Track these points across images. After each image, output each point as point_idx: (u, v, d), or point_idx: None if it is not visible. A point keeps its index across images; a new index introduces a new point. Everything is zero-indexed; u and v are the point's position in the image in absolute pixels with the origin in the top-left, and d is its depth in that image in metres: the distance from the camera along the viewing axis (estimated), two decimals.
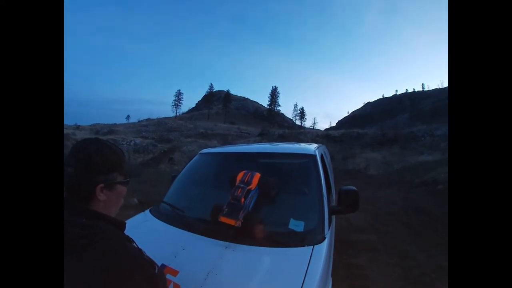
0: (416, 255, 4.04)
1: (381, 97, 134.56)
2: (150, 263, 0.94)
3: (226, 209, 1.66)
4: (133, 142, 22.34)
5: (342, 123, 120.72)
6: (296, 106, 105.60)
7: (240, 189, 1.75)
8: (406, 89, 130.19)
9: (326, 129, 67.32)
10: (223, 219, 1.61)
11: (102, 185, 0.90)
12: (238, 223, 1.59)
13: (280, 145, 2.98)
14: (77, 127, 38.31)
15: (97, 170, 0.90)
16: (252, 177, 1.84)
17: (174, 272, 1.45)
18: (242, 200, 1.69)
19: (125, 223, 1.00)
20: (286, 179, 2.32)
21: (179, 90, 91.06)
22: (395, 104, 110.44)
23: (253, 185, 1.81)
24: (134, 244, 0.96)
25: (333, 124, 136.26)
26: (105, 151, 0.93)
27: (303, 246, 1.60)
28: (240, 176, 1.85)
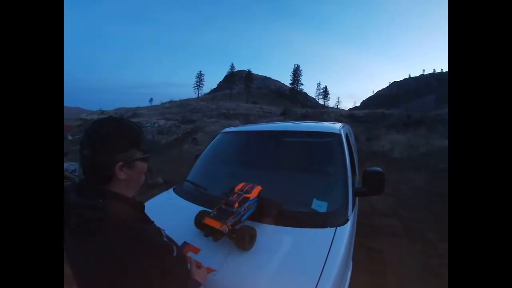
0: (437, 243, 3.93)
1: (408, 76, 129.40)
2: (168, 246, 0.92)
3: (214, 212, 1.49)
4: (156, 124, 22.69)
5: (366, 103, 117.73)
6: (319, 85, 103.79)
7: (236, 195, 1.57)
8: (434, 69, 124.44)
9: (350, 109, 65.72)
10: (208, 220, 1.45)
11: (121, 163, 0.87)
12: (224, 227, 1.36)
13: (303, 123, 2.92)
14: (102, 112, 39.41)
15: (115, 149, 0.87)
16: (252, 188, 1.66)
17: (196, 250, 1.46)
18: (236, 205, 1.50)
19: (143, 204, 0.98)
20: (310, 158, 2.27)
21: (200, 71, 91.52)
22: (422, 84, 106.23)
23: (252, 196, 1.62)
24: (153, 224, 0.94)
25: (358, 104, 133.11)
26: (121, 129, 0.91)
27: (326, 227, 1.57)
28: (239, 186, 1.68)
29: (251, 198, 1.60)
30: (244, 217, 1.54)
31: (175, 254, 0.92)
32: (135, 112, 35.41)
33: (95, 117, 28.65)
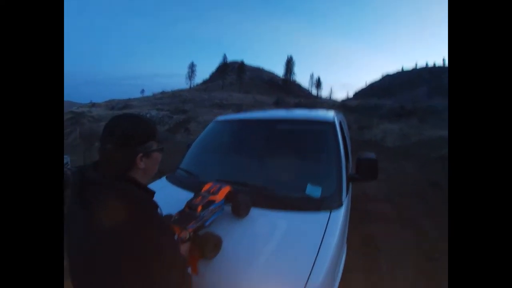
0: (429, 229, 4.02)
1: (400, 70, 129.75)
2: (172, 229, 1.04)
3: (176, 216, 1.35)
4: (148, 114, 22.53)
5: (359, 94, 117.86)
6: (312, 75, 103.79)
7: (200, 198, 1.47)
8: (427, 63, 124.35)
9: (343, 100, 65.75)
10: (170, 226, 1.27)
11: (141, 154, 0.97)
12: (184, 234, 1.20)
13: (297, 111, 2.91)
14: (93, 105, 38.89)
15: (135, 142, 0.97)
16: (219, 189, 1.55)
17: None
18: (199, 209, 1.38)
19: (154, 191, 1.07)
20: (304, 145, 2.28)
21: (192, 62, 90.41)
22: (414, 78, 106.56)
23: (218, 198, 1.50)
24: (160, 209, 1.00)
25: (350, 95, 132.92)
26: (139, 123, 1.01)
27: (320, 211, 1.59)
28: (206, 186, 1.59)
29: (217, 201, 1.48)
30: (209, 221, 1.41)
31: (176, 238, 1.00)
32: (127, 103, 35.07)
33: (85, 110, 28.27)
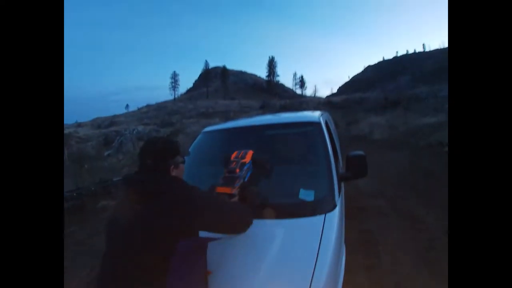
0: (425, 218, 4.06)
1: (382, 59, 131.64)
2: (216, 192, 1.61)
3: (222, 181, 1.69)
4: (135, 130, 22.14)
5: (343, 89, 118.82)
6: (295, 75, 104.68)
7: (234, 163, 1.80)
8: (407, 51, 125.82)
9: (327, 96, 66.43)
10: (219, 189, 1.63)
11: (172, 166, 1.31)
12: (234, 191, 1.59)
13: (283, 115, 2.93)
14: (78, 125, 38.33)
15: (168, 157, 1.31)
16: (246, 153, 1.89)
17: None
18: (237, 170, 1.73)
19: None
20: (292, 149, 2.29)
21: (175, 71, 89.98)
22: (396, 66, 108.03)
23: (247, 159, 1.85)
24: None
25: (334, 91, 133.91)
26: (169, 143, 1.37)
27: (315, 215, 1.59)
28: (233, 155, 1.90)
29: (247, 162, 1.84)
30: (246, 177, 1.78)
31: None
32: (113, 120, 34.64)
33: (72, 130, 27.79)
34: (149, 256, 1.09)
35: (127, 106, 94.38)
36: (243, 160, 1.83)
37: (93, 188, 7.00)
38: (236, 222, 1.39)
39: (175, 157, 1.34)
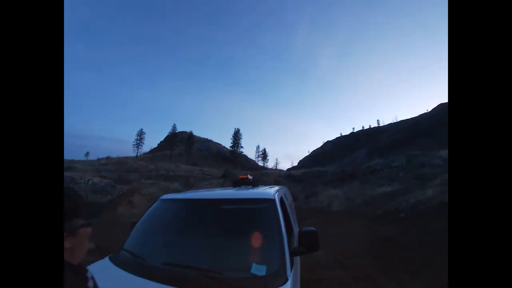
0: (386, 283, 4.14)
1: (340, 135, 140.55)
2: None
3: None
4: (91, 181, 20.78)
5: (303, 162, 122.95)
6: (258, 147, 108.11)
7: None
8: (363, 126, 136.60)
9: (288, 169, 68.21)
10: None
11: (65, 233, 0.89)
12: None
13: (240, 190, 3.02)
14: None
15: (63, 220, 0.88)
16: None
17: None
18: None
19: (88, 269, 1.04)
20: (247, 224, 2.36)
21: (142, 129, 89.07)
22: (353, 141, 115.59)
23: None
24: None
25: (295, 164, 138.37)
26: (65, 199, 0.91)
27: None
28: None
29: None
30: None
31: None
32: (70, 165, 32.42)
33: None
34: None
35: (87, 153, 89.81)
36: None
37: None
38: None
39: (70, 220, 0.92)
